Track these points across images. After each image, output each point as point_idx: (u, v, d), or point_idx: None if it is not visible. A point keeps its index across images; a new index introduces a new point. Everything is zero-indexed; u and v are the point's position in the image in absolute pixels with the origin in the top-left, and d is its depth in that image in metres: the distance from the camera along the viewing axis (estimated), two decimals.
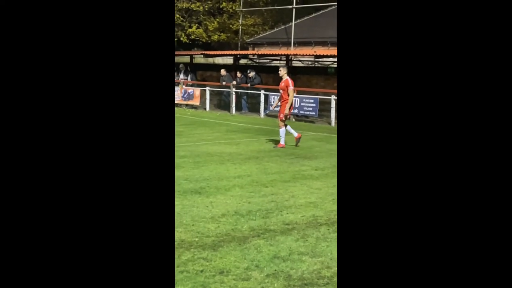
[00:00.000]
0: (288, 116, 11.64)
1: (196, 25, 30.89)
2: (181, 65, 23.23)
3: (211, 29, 30.85)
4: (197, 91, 21.14)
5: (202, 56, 25.36)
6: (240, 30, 28.66)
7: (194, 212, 5.88)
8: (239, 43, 28.56)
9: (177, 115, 18.61)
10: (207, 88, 20.72)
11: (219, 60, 26.98)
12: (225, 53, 24.59)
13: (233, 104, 19.61)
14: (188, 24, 30.77)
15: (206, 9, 30.36)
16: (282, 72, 11.67)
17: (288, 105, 11.42)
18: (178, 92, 21.63)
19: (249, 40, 28.68)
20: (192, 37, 30.92)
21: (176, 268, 4.19)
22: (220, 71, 21.07)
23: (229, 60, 25.15)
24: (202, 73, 23.95)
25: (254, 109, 19.40)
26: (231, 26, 30.44)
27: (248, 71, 19.98)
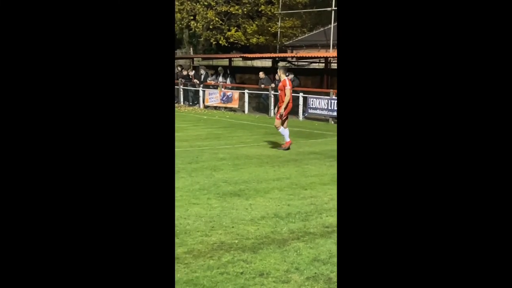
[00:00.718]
0: (283, 116, 11.46)
1: (235, 28, 31.05)
2: (219, 68, 23.41)
3: (250, 32, 30.98)
4: (235, 94, 21.24)
5: (241, 59, 25.47)
6: (278, 32, 28.69)
7: (233, 214, 5.92)
8: (278, 46, 28.60)
9: (215, 117, 18.79)
10: (246, 91, 20.80)
11: (257, 63, 27.06)
12: (263, 56, 24.64)
13: (272, 107, 19.63)
14: (227, 27, 30.97)
15: (245, 12, 30.49)
16: (280, 73, 11.69)
17: (283, 105, 11.37)
18: (217, 95, 21.79)
19: (287, 42, 28.70)
20: (231, 40, 31.12)
21: (216, 270, 4.23)
22: (258, 74, 21.12)
23: (268, 63, 25.18)
24: (241, 76, 24.07)
25: (292, 111, 19.36)
26: (269, 29, 30.50)
27: (287, 74, 19.95)
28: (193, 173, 8.41)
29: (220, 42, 31.03)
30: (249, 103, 20.71)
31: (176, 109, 22.23)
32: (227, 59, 25.82)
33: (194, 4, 30.07)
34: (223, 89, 21.80)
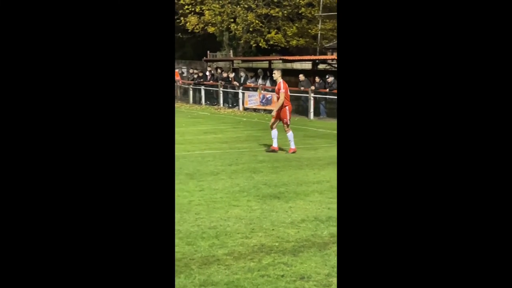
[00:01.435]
0: (273, 118, 11.36)
1: (275, 30, 31.10)
2: (259, 70, 23.46)
3: (290, 34, 30.96)
4: (275, 96, 21.23)
5: (280, 61, 25.47)
6: (319, 35, 28.60)
7: (273, 217, 5.91)
8: (318, 48, 28.48)
9: (255, 120, 18.82)
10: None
11: (297, 65, 26.99)
12: (303, 58, 24.58)
13: (311, 109, 19.56)
14: (267, 30, 31.03)
15: (285, 15, 30.50)
16: (277, 75, 11.48)
17: (276, 108, 11.26)
18: (257, 97, 21.83)
19: (328, 45, 28.55)
20: (271, 42, 31.15)
21: (257, 272, 4.23)
22: (298, 76, 21.08)
23: (308, 65, 25.11)
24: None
25: (332, 114, 19.24)
26: (309, 31, 30.43)
27: (327, 76, 19.86)
28: (233, 175, 8.45)
29: (260, 44, 31.09)
30: None
31: (215, 111, 22.35)
32: (267, 62, 25.85)
33: (235, 6, 30.23)
34: (262, 91, 21.83)
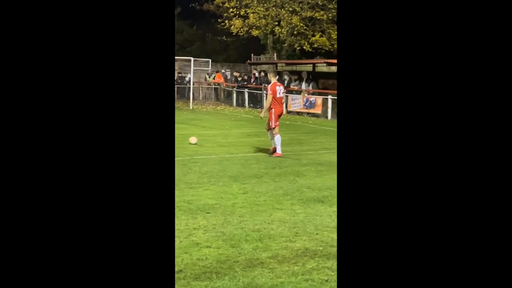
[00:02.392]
0: (271, 123, 10.95)
1: (320, 33, 30.96)
2: (303, 73, 23.41)
3: (335, 37, 30.74)
4: (319, 99, 21.18)
5: (324, 64, 25.37)
6: None
7: (317, 221, 5.89)
8: None
9: (298, 123, 18.80)
10: (329, 97, 20.67)
11: None
12: None
13: None
14: (312, 33, 30.93)
15: (330, 18, 30.31)
16: (270, 76, 11.29)
17: (264, 110, 11.05)
18: (300, 100, 21.79)
19: None
20: (315, 45, 31.04)
21: (301, 276, 4.22)
22: None
23: None
24: (324, 82, 23.92)
25: None
26: None
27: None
28: (277, 178, 8.45)
29: (304, 47, 31.03)
30: (332, 109, 20.54)
31: (259, 114, 22.48)
32: (311, 65, 25.79)
33: (279, 9, 30.25)
34: (306, 94, 21.78)
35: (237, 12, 30.77)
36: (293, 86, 23.18)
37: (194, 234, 5.36)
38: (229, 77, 29.40)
